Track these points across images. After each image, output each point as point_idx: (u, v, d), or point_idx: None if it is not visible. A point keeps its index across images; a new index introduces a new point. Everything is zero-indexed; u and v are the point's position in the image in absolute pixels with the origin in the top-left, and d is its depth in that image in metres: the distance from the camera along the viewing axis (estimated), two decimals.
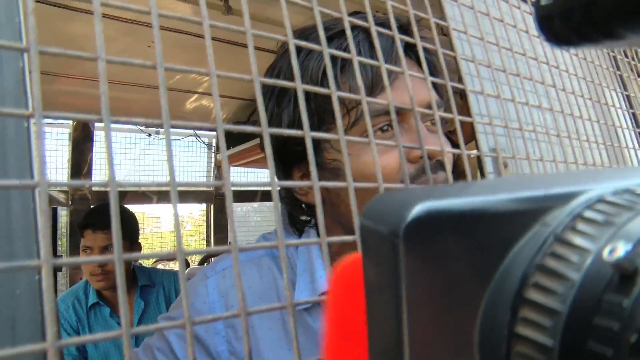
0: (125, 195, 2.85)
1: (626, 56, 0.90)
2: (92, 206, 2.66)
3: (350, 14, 0.50)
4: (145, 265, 2.19)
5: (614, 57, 0.89)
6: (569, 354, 0.18)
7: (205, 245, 3.57)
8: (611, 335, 0.17)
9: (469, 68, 0.57)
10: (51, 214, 2.83)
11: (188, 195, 3.19)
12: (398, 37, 0.41)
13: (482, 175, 0.63)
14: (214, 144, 3.35)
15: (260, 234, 0.80)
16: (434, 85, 0.67)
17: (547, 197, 0.22)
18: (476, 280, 0.21)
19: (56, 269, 2.97)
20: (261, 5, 1.77)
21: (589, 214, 0.21)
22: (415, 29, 0.43)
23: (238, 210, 4.31)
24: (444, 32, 0.77)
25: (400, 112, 0.59)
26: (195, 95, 2.69)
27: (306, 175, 0.65)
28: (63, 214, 2.79)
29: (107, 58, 0.25)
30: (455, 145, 0.50)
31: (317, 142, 0.62)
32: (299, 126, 0.63)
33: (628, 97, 0.88)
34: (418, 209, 0.20)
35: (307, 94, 0.60)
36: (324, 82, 0.59)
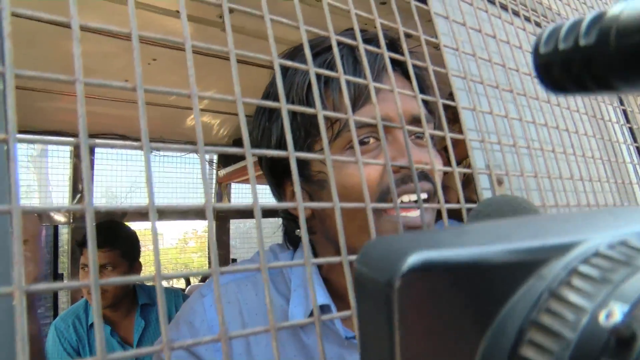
0: (126, 214, 2.85)
1: None
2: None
3: (343, 31, 0.50)
4: (146, 283, 2.18)
5: None
6: None
7: (207, 262, 3.56)
8: None
9: (462, 83, 0.56)
10: (52, 232, 2.84)
11: (189, 212, 3.18)
12: (386, 54, 0.41)
13: (476, 193, 0.62)
14: (215, 161, 3.35)
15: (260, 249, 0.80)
16: (424, 101, 0.67)
17: (543, 249, 0.22)
18: (471, 333, 0.21)
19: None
20: (261, 21, 1.77)
21: (584, 268, 0.20)
22: (404, 45, 0.43)
23: (241, 227, 4.30)
24: (436, 47, 0.77)
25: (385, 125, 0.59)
26: None
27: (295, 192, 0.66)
28: (64, 232, 2.79)
29: (85, 80, 0.25)
30: (447, 160, 0.50)
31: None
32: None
33: (624, 111, 0.88)
34: (413, 259, 0.20)
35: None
36: (309, 97, 0.60)
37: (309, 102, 0.60)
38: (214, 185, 3.39)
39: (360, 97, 0.59)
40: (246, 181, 3.31)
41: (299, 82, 0.62)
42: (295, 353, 0.67)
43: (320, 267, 0.71)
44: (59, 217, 2.73)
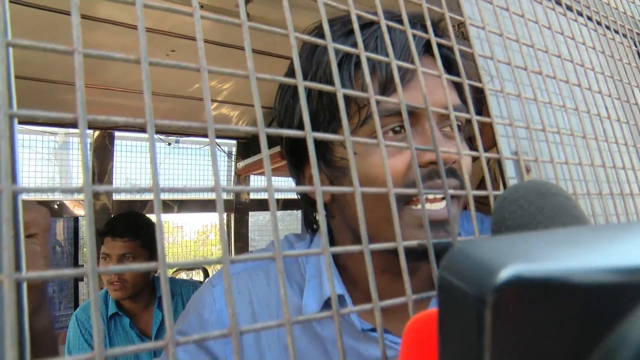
0: (147, 205, 2.85)
1: None
2: (112, 215, 2.67)
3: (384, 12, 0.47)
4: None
5: (638, 53, 0.85)
6: None
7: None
8: None
9: (488, 67, 0.54)
10: (72, 224, 2.86)
11: (208, 205, 3.18)
12: (410, 33, 0.39)
13: (503, 180, 0.60)
14: (234, 153, 3.34)
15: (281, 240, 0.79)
16: (458, 90, 0.64)
17: None
18: (571, 359, 0.18)
19: (77, 279, 2.98)
20: (280, 11, 1.75)
21: None
22: (429, 22, 0.41)
23: (260, 219, 4.30)
24: (462, 33, 0.74)
25: (415, 114, 0.56)
26: (215, 104, 2.69)
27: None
28: (84, 224, 2.81)
29: (83, 51, 0.23)
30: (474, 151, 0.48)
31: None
32: (312, 120, 0.62)
33: None
34: (508, 273, 0.17)
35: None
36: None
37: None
38: (233, 177, 3.38)
39: (391, 82, 0.56)
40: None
41: (327, 62, 0.59)
42: (308, 344, 0.65)
43: (337, 254, 0.68)
44: (80, 210, 2.75)
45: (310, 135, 0.28)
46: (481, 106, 0.56)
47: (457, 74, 0.56)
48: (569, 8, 0.65)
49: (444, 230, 0.56)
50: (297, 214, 3.17)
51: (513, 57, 0.48)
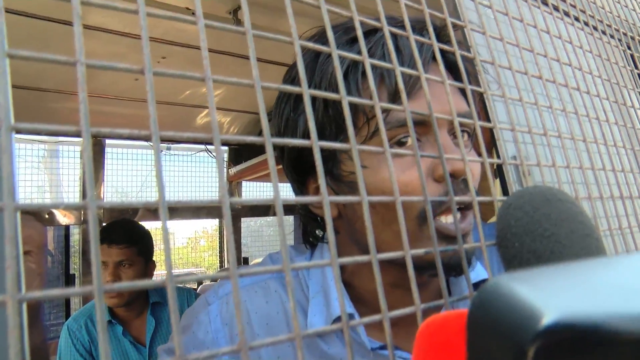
0: (137, 212, 2.83)
1: None
2: (104, 224, 2.65)
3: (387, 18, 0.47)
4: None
5: (632, 56, 0.85)
6: None
7: (218, 261, 3.54)
8: None
9: (488, 72, 0.53)
10: (63, 233, 2.83)
11: (200, 211, 3.17)
12: (413, 39, 0.38)
13: (503, 184, 0.59)
14: (226, 159, 3.33)
15: (272, 250, 0.76)
16: (466, 96, 0.63)
17: None
18: None
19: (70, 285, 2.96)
20: (272, 18, 1.75)
21: None
22: (431, 29, 0.40)
23: (252, 224, 4.28)
24: (455, 29, 0.73)
25: (425, 124, 0.55)
26: (206, 111, 2.68)
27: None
28: (75, 232, 2.78)
29: (86, 62, 0.22)
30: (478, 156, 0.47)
31: (333, 153, 0.58)
32: (317, 133, 0.60)
33: None
34: (552, 319, 0.16)
35: (326, 100, 0.56)
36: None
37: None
38: (224, 183, 3.37)
39: (400, 91, 0.54)
40: (257, 179, 3.29)
41: (332, 72, 0.56)
42: None
43: (342, 270, 0.66)
44: (71, 218, 2.73)
45: (316, 144, 0.28)
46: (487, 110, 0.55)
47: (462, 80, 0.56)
48: (566, 13, 0.65)
49: (464, 243, 0.55)
50: (290, 218, 3.15)
51: (513, 62, 0.48)
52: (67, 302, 2.90)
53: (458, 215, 0.56)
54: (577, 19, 0.67)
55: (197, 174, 3.42)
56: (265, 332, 0.65)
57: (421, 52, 0.54)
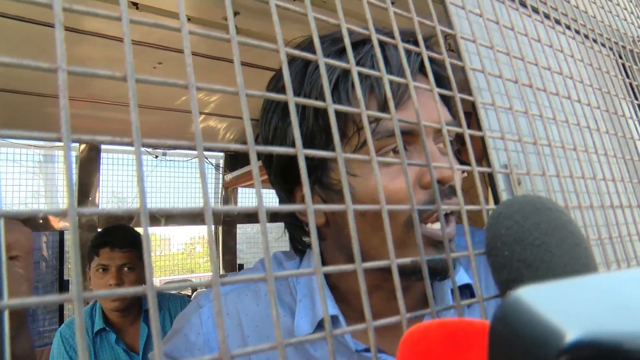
0: (133, 219, 2.83)
1: (635, 63, 0.86)
2: (99, 229, 2.64)
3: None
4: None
5: (623, 65, 0.85)
6: None
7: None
8: None
9: (477, 81, 0.54)
10: (57, 238, 2.82)
11: (196, 217, 3.16)
12: (402, 47, 0.38)
13: (494, 193, 0.59)
14: (221, 165, 3.33)
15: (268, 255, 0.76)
16: (448, 106, 0.64)
17: None
18: None
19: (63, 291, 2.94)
20: (268, 24, 1.75)
21: None
22: (420, 37, 0.40)
23: (248, 231, 4.27)
24: (451, 47, 0.74)
25: (413, 133, 0.55)
26: (202, 116, 2.68)
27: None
28: (69, 238, 2.77)
29: (68, 69, 0.22)
30: (464, 164, 0.47)
31: (323, 161, 0.58)
32: (307, 142, 0.60)
33: (639, 106, 0.85)
34: (576, 336, 0.15)
35: (317, 109, 0.56)
36: (333, 98, 0.55)
37: (335, 103, 0.55)
38: (220, 190, 3.37)
39: (388, 99, 0.54)
40: (253, 185, 3.29)
41: (321, 84, 0.57)
42: None
43: (328, 274, 0.66)
44: (65, 224, 2.72)
45: (301, 153, 0.28)
46: (469, 119, 0.55)
47: (447, 89, 0.56)
48: (557, 21, 0.65)
49: (449, 248, 0.55)
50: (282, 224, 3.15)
51: (504, 70, 0.48)
52: (61, 308, 2.89)
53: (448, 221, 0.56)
54: (568, 27, 0.67)
55: (193, 179, 3.41)
56: (255, 334, 0.65)
57: (409, 62, 0.54)
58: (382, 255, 0.55)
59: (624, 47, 0.84)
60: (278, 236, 0.74)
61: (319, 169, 0.59)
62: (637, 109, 0.88)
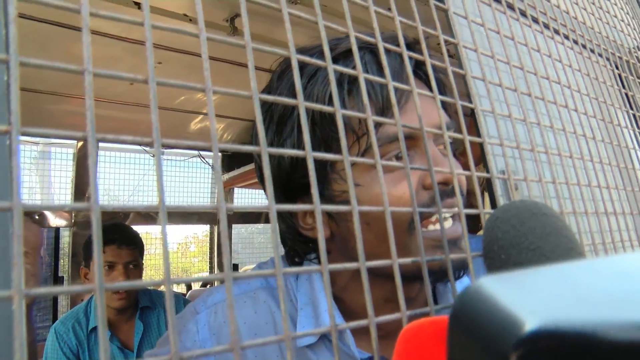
0: (129, 216, 2.83)
1: (631, 74, 0.88)
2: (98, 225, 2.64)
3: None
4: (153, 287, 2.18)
5: (620, 75, 0.87)
6: None
7: (208, 266, 3.54)
8: None
9: (477, 89, 0.55)
10: (53, 235, 2.82)
11: (192, 217, 3.17)
12: (407, 55, 0.40)
13: (492, 198, 0.61)
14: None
15: (263, 257, 0.76)
16: (445, 107, 0.65)
17: None
18: None
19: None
20: (267, 26, 1.76)
21: None
22: (424, 45, 0.42)
23: (242, 232, 4.28)
24: (451, 54, 0.75)
25: (414, 137, 0.56)
26: (200, 116, 2.69)
27: (310, 211, 0.60)
28: (65, 235, 2.77)
29: (94, 71, 0.23)
30: (465, 168, 0.48)
31: (324, 173, 0.58)
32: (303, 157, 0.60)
33: (634, 116, 0.86)
34: (534, 326, 0.15)
35: (312, 120, 0.56)
36: (330, 106, 0.55)
37: (331, 115, 0.54)
38: (217, 190, 3.37)
39: (388, 109, 0.54)
40: (249, 186, 3.30)
41: (318, 92, 0.56)
42: None
43: (333, 285, 0.65)
44: (61, 220, 2.72)
45: (310, 155, 0.29)
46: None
47: (442, 94, 0.57)
48: (556, 32, 0.67)
49: (456, 247, 0.56)
50: None
51: (504, 79, 0.49)
52: (55, 305, 2.89)
53: (450, 222, 0.57)
54: (566, 37, 0.68)
55: (189, 179, 3.42)
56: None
57: (403, 68, 0.54)
58: (387, 266, 0.55)
59: (620, 58, 0.85)
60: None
61: (320, 182, 0.59)
62: (632, 118, 0.89)
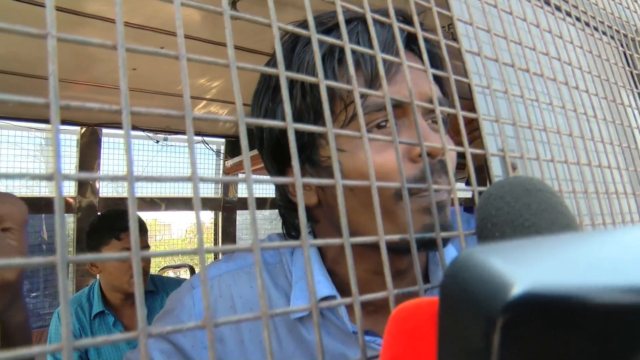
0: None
1: (637, 52, 0.86)
2: (98, 214, 2.65)
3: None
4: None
5: (625, 54, 0.85)
6: None
7: (212, 254, 3.54)
8: None
9: (475, 65, 0.53)
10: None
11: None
12: (397, 27, 0.38)
13: (489, 177, 0.60)
14: (222, 151, 3.33)
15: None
16: (440, 83, 0.64)
17: None
18: None
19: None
20: (266, 11, 1.74)
21: None
22: (415, 17, 0.40)
23: (247, 218, 4.28)
24: (450, 29, 0.73)
25: (401, 107, 0.56)
26: (204, 102, 2.68)
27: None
28: (70, 221, 2.78)
29: (57, 35, 0.22)
30: (458, 144, 0.47)
31: (312, 139, 0.59)
32: (296, 121, 0.60)
33: None
34: (522, 289, 0.15)
35: (304, 88, 0.57)
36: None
37: None
38: (221, 175, 3.37)
39: (376, 78, 0.54)
40: (254, 172, 3.29)
41: (308, 61, 0.57)
42: (294, 349, 0.63)
43: (324, 258, 0.66)
44: (65, 207, 2.73)
45: (291, 127, 0.28)
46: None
47: (437, 68, 0.56)
48: (558, 8, 0.65)
49: (444, 213, 0.56)
50: None
51: (501, 54, 0.48)
52: None
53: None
54: (569, 14, 0.67)
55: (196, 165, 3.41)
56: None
57: (394, 39, 0.54)
58: (372, 233, 0.55)
59: (625, 36, 0.83)
60: (279, 226, 0.73)
61: (308, 147, 0.60)
62: (638, 97, 0.88)
